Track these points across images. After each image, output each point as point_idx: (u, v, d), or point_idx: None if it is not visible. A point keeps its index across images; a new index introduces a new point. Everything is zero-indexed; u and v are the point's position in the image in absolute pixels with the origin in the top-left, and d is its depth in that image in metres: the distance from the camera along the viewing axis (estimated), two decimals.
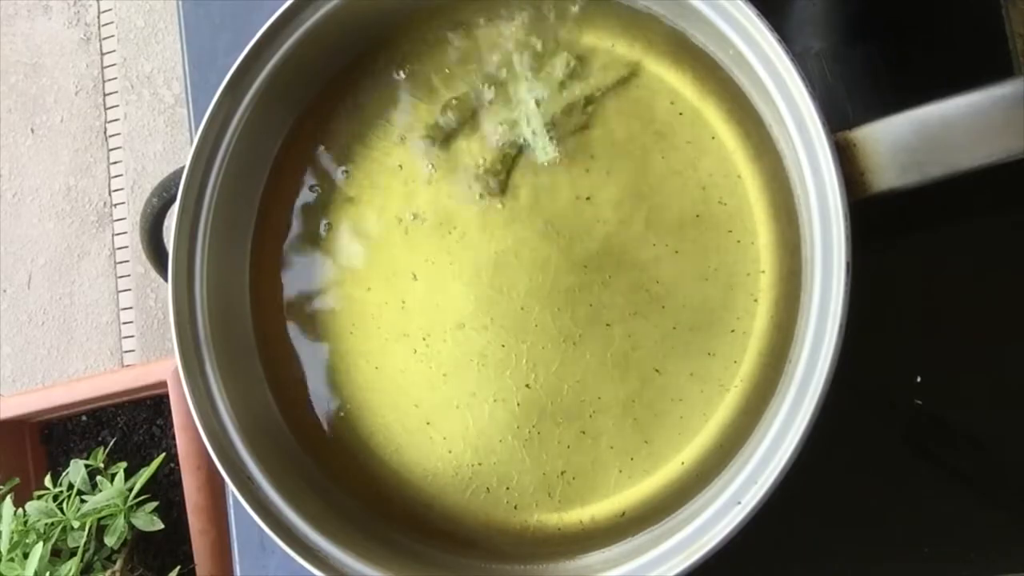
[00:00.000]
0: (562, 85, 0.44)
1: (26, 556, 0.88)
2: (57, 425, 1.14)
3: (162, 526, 0.94)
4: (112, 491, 0.94)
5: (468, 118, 0.45)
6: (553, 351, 0.43)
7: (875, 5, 0.48)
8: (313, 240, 0.47)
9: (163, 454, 1.04)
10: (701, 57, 0.43)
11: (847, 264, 0.37)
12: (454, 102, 0.45)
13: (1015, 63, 0.44)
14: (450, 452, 0.44)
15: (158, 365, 1.06)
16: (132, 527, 0.95)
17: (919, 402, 0.44)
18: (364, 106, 0.47)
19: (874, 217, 0.38)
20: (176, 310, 0.44)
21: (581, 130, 0.43)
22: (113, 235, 1.44)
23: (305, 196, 0.47)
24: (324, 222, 0.47)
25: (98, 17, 1.50)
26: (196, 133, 0.44)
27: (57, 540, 0.92)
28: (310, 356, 0.46)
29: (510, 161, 0.44)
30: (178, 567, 0.98)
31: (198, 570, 0.99)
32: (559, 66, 0.44)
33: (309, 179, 0.47)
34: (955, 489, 0.43)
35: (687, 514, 0.40)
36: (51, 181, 1.47)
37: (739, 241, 0.42)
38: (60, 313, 1.44)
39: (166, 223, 0.48)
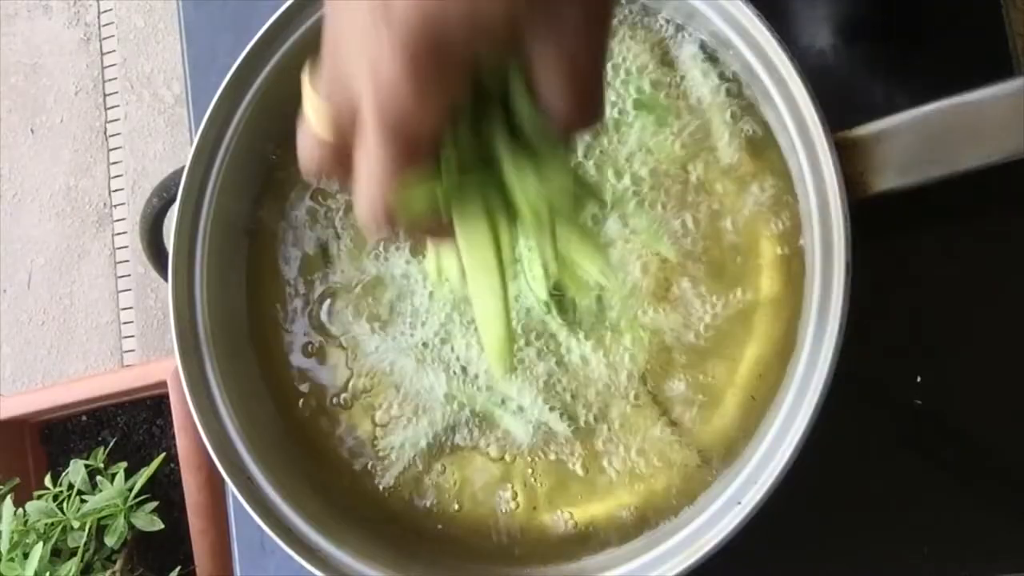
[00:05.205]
0: None
1: (26, 556, 0.88)
2: (57, 425, 1.14)
3: (162, 526, 0.94)
4: (112, 491, 0.94)
5: None
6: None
7: (876, 5, 0.48)
8: (311, 239, 0.47)
9: (163, 454, 1.03)
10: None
11: (847, 264, 0.37)
12: None
13: (1015, 63, 0.44)
14: None
15: (158, 365, 1.06)
16: (132, 527, 0.95)
17: (919, 402, 0.44)
18: None
19: (874, 217, 0.38)
20: (176, 310, 0.44)
21: None
22: (113, 235, 1.44)
23: (304, 196, 0.47)
24: (323, 221, 0.47)
25: (98, 17, 1.50)
26: (196, 133, 0.44)
27: (57, 540, 0.92)
28: (310, 353, 0.46)
29: None
30: (178, 567, 0.98)
31: (198, 570, 0.98)
32: None
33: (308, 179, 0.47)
34: (955, 489, 0.43)
35: (687, 514, 0.40)
36: (51, 181, 1.47)
37: (739, 241, 0.42)
38: (60, 313, 1.44)
39: (166, 223, 0.48)
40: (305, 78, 0.23)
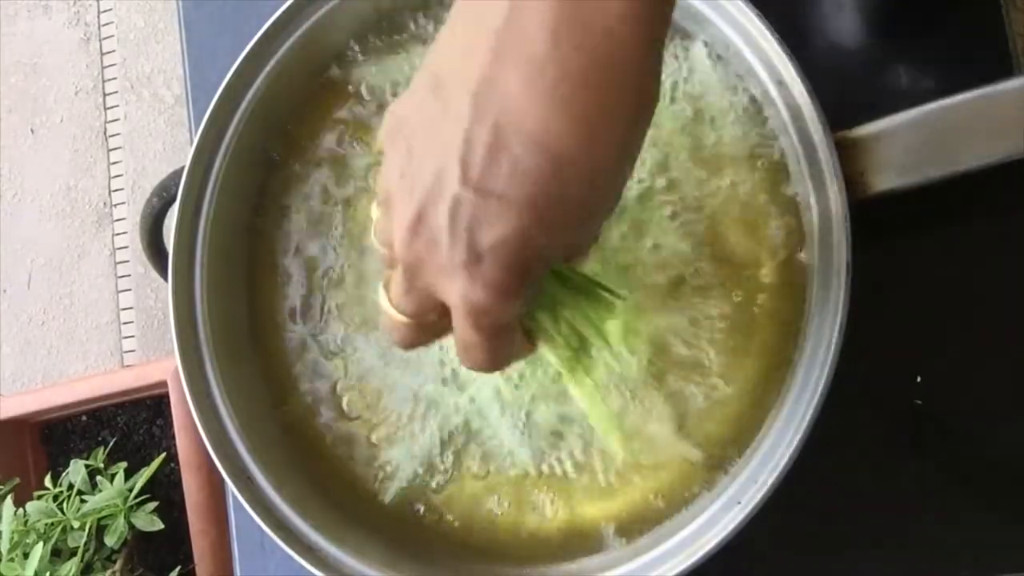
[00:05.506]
0: None
1: (26, 556, 0.88)
2: (57, 425, 1.14)
3: (162, 526, 0.94)
4: (112, 491, 0.94)
5: None
6: None
7: (876, 6, 0.48)
8: (312, 239, 0.47)
9: (163, 454, 1.04)
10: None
11: (847, 264, 0.37)
12: None
13: (1015, 63, 0.44)
14: None
15: (158, 365, 1.06)
16: (132, 527, 0.95)
17: (919, 402, 0.44)
18: (364, 103, 0.47)
19: (874, 217, 0.38)
20: (176, 310, 0.44)
21: None
22: (113, 235, 1.44)
23: (304, 196, 0.47)
24: (324, 221, 0.47)
25: (98, 17, 1.50)
26: (196, 133, 0.44)
27: (57, 540, 0.92)
28: (309, 355, 0.46)
29: None
30: (178, 567, 0.98)
31: (198, 570, 0.98)
32: None
33: (309, 178, 0.47)
34: (955, 489, 0.43)
35: (687, 514, 0.40)
36: (51, 181, 1.47)
37: (740, 241, 0.42)
38: (60, 313, 1.44)
39: (166, 223, 0.48)
40: (381, 290, 0.29)
